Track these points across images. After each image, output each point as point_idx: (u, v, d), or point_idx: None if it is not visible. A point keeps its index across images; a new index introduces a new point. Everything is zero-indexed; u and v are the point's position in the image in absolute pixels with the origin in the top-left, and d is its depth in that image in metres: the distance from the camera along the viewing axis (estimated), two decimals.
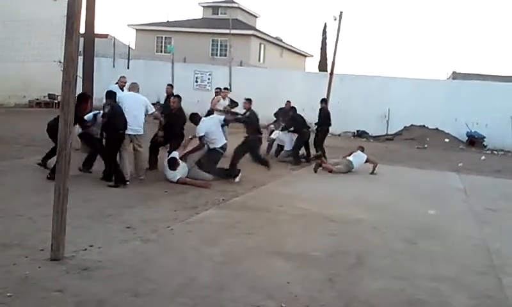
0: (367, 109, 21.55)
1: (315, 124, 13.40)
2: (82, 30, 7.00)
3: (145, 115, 8.66)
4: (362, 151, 11.64)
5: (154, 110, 8.88)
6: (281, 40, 35.64)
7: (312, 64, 61.55)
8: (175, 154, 8.75)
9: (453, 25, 71.92)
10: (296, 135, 12.28)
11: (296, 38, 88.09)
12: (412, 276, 4.85)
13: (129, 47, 26.24)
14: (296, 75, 25.11)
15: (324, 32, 40.28)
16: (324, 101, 13.52)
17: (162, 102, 13.07)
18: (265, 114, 14.33)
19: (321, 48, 40.61)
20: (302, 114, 12.72)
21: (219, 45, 31.10)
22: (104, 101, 8.14)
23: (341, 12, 16.93)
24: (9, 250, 4.63)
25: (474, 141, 20.15)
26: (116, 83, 10.55)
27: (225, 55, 28.49)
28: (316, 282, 4.48)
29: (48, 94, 23.31)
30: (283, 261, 4.97)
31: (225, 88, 12.68)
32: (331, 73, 17.14)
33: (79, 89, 6.01)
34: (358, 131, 21.71)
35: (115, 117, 7.94)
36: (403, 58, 70.63)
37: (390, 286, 4.56)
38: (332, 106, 14.04)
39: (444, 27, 72.97)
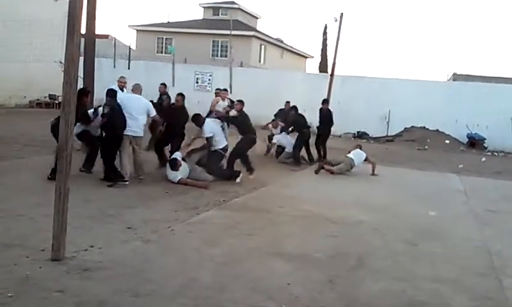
0: (367, 110, 21.55)
1: (317, 128, 13.32)
2: (83, 31, 7.01)
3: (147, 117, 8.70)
4: (360, 149, 11.64)
5: (155, 113, 8.87)
6: (281, 41, 35.64)
7: (313, 66, 61.79)
8: (177, 155, 8.76)
9: (454, 26, 72.00)
10: (296, 135, 12.27)
11: (297, 39, 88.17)
12: (413, 278, 4.85)
13: (130, 48, 26.27)
14: (297, 76, 25.11)
15: (325, 33, 40.30)
16: (325, 102, 13.48)
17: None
18: (266, 114, 14.39)
19: (322, 50, 40.60)
20: (303, 114, 12.71)
21: (219, 46, 31.11)
22: (105, 100, 8.16)
23: (342, 13, 16.98)
24: (10, 250, 4.64)
25: (475, 142, 20.14)
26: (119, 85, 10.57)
27: (226, 56, 28.50)
28: (317, 283, 4.48)
29: (49, 95, 23.33)
30: (283, 263, 4.97)
31: (224, 89, 12.64)
32: (332, 75, 17.16)
33: None
34: (358, 132, 21.70)
35: (114, 117, 7.95)
36: (404, 59, 70.66)
37: (391, 288, 4.56)
38: (333, 107, 14.01)
39: (445, 28, 73.05)
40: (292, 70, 31.20)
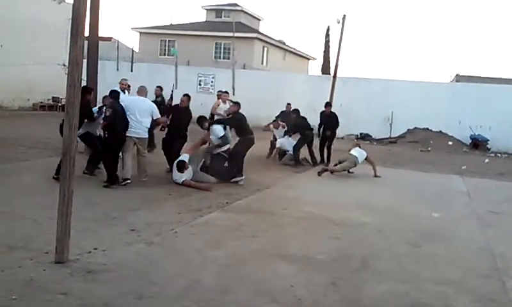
0: (370, 111, 21.53)
1: (321, 130, 13.24)
2: (86, 33, 7.05)
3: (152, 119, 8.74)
4: (359, 148, 11.62)
5: (159, 115, 8.91)
6: (284, 43, 35.64)
7: (315, 67, 61.71)
8: (185, 157, 8.77)
9: (456, 27, 71.89)
10: (298, 137, 12.27)
11: (299, 41, 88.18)
12: (416, 279, 4.85)
13: (133, 50, 26.35)
14: (299, 78, 25.12)
15: (327, 35, 40.16)
16: (327, 104, 13.32)
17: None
18: (269, 116, 14.41)
19: (324, 51, 40.52)
20: (305, 116, 12.69)
21: (222, 48, 31.12)
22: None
23: (344, 15, 16.98)
24: (14, 252, 4.66)
25: (478, 143, 20.10)
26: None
27: (228, 58, 28.49)
28: (320, 285, 4.48)
29: (52, 97, 23.41)
30: (287, 265, 4.97)
31: (225, 92, 12.59)
32: (335, 76, 17.15)
33: None
34: (361, 134, 21.69)
35: (116, 119, 7.98)
36: (406, 61, 70.59)
37: (394, 290, 4.55)
38: (335, 109, 13.95)
39: (447, 29, 72.87)
40: (295, 71, 31.20)
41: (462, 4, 73.68)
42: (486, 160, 16.88)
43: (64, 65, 19.13)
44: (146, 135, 8.66)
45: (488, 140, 20.11)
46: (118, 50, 24.97)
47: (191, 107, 9.85)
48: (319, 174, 10.90)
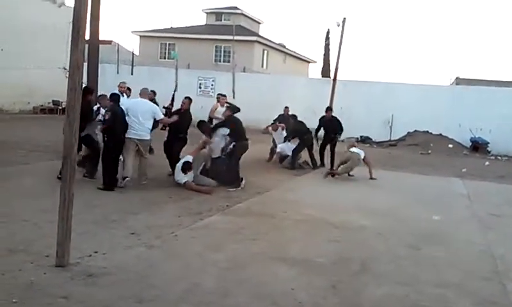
0: (370, 114, 21.54)
1: (322, 135, 13.19)
2: (86, 37, 7.07)
3: (154, 121, 8.76)
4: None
5: (162, 116, 8.93)
6: (284, 46, 35.70)
7: (315, 70, 61.67)
8: (189, 158, 8.78)
9: (456, 30, 71.97)
10: (297, 142, 12.28)
11: (299, 44, 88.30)
12: (416, 282, 4.85)
13: (133, 54, 26.38)
14: (299, 81, 25.15)
15: (327, 38, 40.25)
16: (328, 109, 13.21)
17: None
18: (268, 119, 14.41)
19: (324, 54, 40.59)
20: (303, 120, 12.70)
21: (222, 51, 31.17)
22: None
23: (344, 18, 17.01)
24: (14, 256, 4.66)
25: (478, 146, 20.10)
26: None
27: (228, 61, 28.54)
28: (320, 288, 4.48)
29: (53, 101, 23.42)
30: (287, 268, 4.97)
31: (223, 95, 12.50)
32: (335, 79, 17.17)
33: None
34: (361, 137, 21.66)
35: (115, 121, 7.99)
36: (406, 64, 70.66)
37: (394, 292, 4.56)
38: (336, 112, 13.97)
39: (447, 32, 73.00)
40: (295, 74, 31.23)
41: (462, 7, 73.81)
42: (486, 163, 16.89)
43: (64, 68, 19.19)
44: (148, 137, 8.68)
45: (488, 143, 20.12)
46: (118, 53, 25.01)
47: (191, 110, 9.87)
48: (325, 176, 10.94)
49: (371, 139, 21.51)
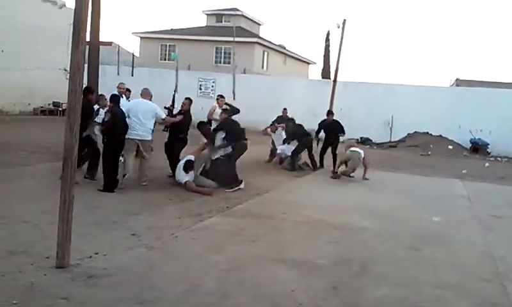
0: (370, 116, 21.57)
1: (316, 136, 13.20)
2: (87, 38, 7.09)
3: (155, 122, 8.77)
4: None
5: (164, 116, 8.93)
6: (284, 48, 35.71)
7: (315, 72, 61.77)
8: (191, 157, 8.79)
9: (456, 32, 71.98)
10: (296, 143, 12.29)
11: (299, 46, 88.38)
12: (416, 283, 4.85)
13: (133, 55, 26.44)
14: (299, 82, 25.19)
15: (327, 39, 40.27)
16: (330, 113, 13.16)
17: None
18: (269, 120, 14.40)
19: (324, 56, 40.60)
20: (303, 122, 12.72)
21: (222, 53, 31.20)
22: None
23: (344, 20, 17.03)
24: (14, 257, 4.66)
25: (478, 147, 20.13)
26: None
27: (229, 62, 28.57)
28: (320, 290, 4.49)
29: (53, 102, 23.46)
30: (287, 269, 4.98)
31: (221, 96, 12.46)
32: (335, 80, 17.19)
33: None
34: (361, 138, 21.69)
35: (115, 123, 8.00)
36: (406, 65, 70.66)
37: (394, 294, 4.56)
38: (336, 113, 13.98)
39: (447, 33, 73.01)
40: (295, 76, 31.27)
41: (462, 8, 73.83)
42: (486, 164, 16.91)
43: (65, 70, 19.23)
44: (150, 138, 8.68)
45: (488, 144, 20.13)
46: (118, 54, 25.07)
47: (191, 111, 9.88)
48: (332, 178, 11.12)
49: (371, 140, 21.53)
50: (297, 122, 12.99)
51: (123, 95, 10.58)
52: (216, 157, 9.30)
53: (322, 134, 12.82)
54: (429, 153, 19.41)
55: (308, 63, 40.28)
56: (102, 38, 11.76)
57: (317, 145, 12.71)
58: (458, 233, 7.08)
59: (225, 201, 7.95)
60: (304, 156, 12.56)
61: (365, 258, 5.51)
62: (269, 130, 13.18)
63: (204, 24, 35.64)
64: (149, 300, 3.96)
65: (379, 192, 10.12)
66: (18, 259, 4.59)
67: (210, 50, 31.25)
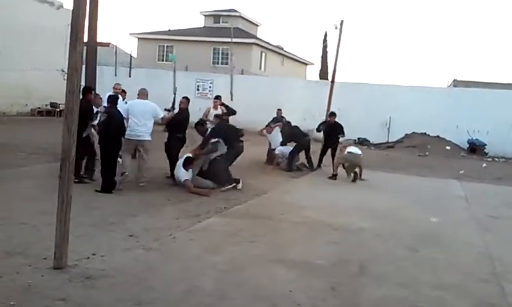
0: (368, 116, 21.57)
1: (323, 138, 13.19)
2: (85, 39, 7.07)
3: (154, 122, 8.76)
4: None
5: (162, 115, 8.92)
6: (282, 48, 35.74)
7: (313, 73, 61.83)
8: (190, 155, 8.79)
9: (454, 33, 72.16)
10: (294, 144, 12.31)
11: (297, 47, 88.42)
12: (415, 284, 4.85)
13: (131, 56, 26.38)
14: (297, 83, 25.17)
15: (325, 40, 40.37)
16: (332, 114, 13.11)
17: None
18: (265, 122, 14.41)
19: (322, 57, 40.68)
20: (302, 121, 12.72)
21: (220, 54, 31.20)
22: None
23: (342, 20, 16.96)
24: (12, 258, 4.65)
25: (475, 148, 20.16)
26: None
27: (226, 63, 28.57)
28: (319, 290, 4.48)
29: (50, 103, 23.40)
30: (286, 270, 4.97)
31: (217, 97, 12.39)
32: (333, 81, 17.15)
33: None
34: (359, 139, 21.69)
35: (111, 124, 7.98)
36: (404, 66, 70.78)
37: (393, 294, 4.56)
38: None
39: (445, 34, 73.21)
40: (293, 77, 31.28)
41: (459, 9, 74.02)
42: (484, 165, 16.94)
43: (62, 71, 19.17)
44: (149, 138, 8.65)
45: (486, 144, 20.17)
46: (116, 55, 25.02)
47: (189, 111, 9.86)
48: (329, 178, 11.15)
49: (369, 141, 21.54)
50: (293, 124, 13.01)
51: (119, 96, 10.55)
52: (212, 157, 9.27)
53: (321, 135, 12.85)
54: (427, 153, 19.43)
55: (306, 64, 40.33)
56: (99, 39, 11.69)
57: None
58: (456, 234, 7.09)
59: (223, 202, 7.94)
60: (301, 157, 12.56)
61: (364, 259, 5.51)
62: (264, 131, 13.19)
63: (202, 25, 35.64)
64: (147, 301, 3.94)
65: (377, 193, 10.13)
66: (15, 261, 4.57)
67: (208, 51, 31.24)
